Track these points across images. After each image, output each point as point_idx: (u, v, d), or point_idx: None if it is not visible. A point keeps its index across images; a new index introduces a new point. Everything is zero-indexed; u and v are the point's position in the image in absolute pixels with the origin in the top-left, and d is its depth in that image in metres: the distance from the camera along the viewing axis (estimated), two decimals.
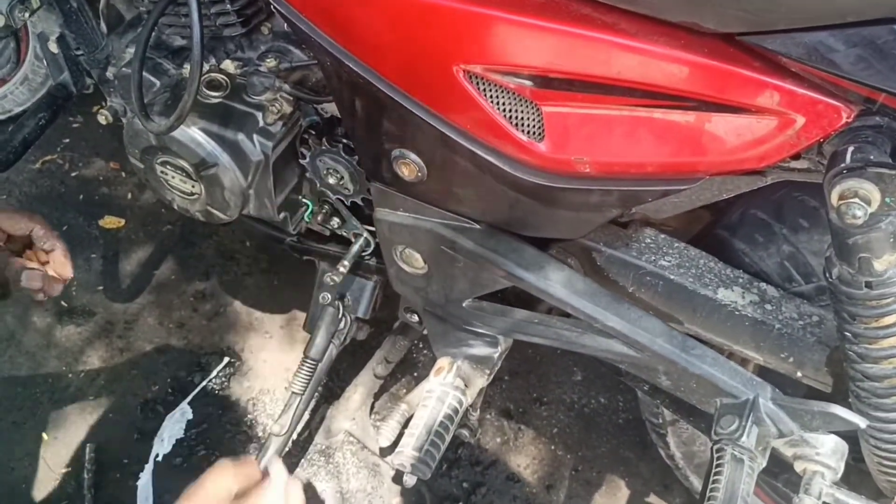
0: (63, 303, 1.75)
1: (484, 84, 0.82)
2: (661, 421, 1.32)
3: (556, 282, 0.98)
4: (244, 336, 1.75)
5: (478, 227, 1.02)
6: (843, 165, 0.73)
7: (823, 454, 0.90)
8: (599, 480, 1.64)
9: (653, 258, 1.01)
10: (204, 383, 1.66)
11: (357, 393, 1.59)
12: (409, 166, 0.98)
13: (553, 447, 1.66)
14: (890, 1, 0.64)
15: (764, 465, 0.91)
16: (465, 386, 1.17)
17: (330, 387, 1.68)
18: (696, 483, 1.41)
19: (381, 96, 0.90)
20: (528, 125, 0.83)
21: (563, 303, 0.98)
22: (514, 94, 0.82)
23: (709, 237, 1.11)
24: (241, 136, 1.12)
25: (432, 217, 1.04)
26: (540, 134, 0.83)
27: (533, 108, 0.82)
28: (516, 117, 0.83)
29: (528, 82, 0.80)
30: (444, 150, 0.92)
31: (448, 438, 1.12)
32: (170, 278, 1.83)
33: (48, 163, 1.97)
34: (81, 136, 2.02)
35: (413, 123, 0.91)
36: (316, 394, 1.65)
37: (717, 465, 0.88)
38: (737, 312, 0.98)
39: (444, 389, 1.14)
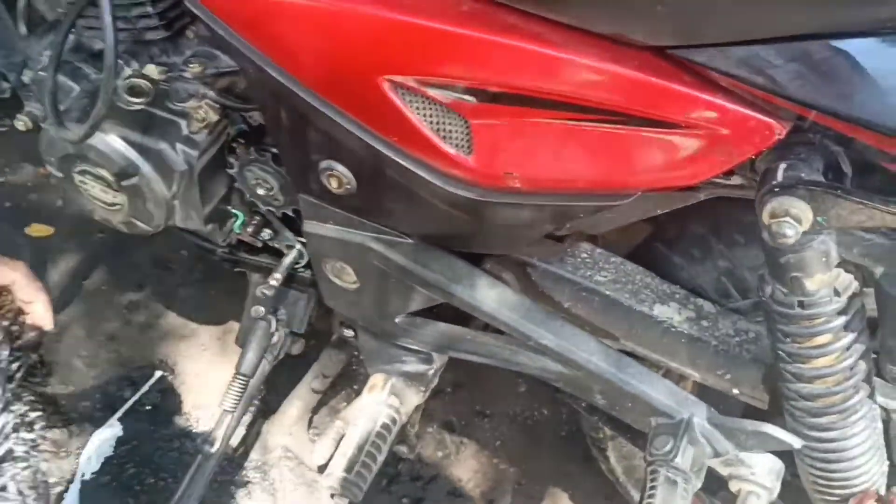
0: None
1: (410, 96, 0.79)
2: (601, 436, 1.30)
3: (489, 298, 0.95)
4: (178, 349, 1.69)
5: (409, 241, 0.99)
6: (774, 183, 0.72)
7: (758, 474, 0.89)
8: (542, 494, 1.61)
9: (588, 273, 0.99)
10: (135, 398, 1.60)
11: (294, 407, 1.54)
12: (338, 178, 0.94)
13: (496, 460, 1.64)
14: (823, 16, 0.63)
15: (699, 485, 0.89)
16: (400, 403, 1.13)
17: (267, 400, 1.63)
18: (638, 497, 1.40)
19: (306, 106, 0.87)
20: (457, 138, 0.80)
21: (495, 319, 0.95)
22: (440, 106, 0.79)
23: (647, 251, 1.10)
24: (163, 145, 1.07)
25: (363, 231, 1.01)
26: (468, 147, 0.80)
27: (461, 120, 0.79)
28: (444, 130, 0.80)
29: (454, 94, 0.77)
30: (373, 162, 0.89)
31: (381, 458, 1.08)
32: (100, 288, 1.76)
33: None
34: (8, 140, 1.93)
35: (340, 135, 0.88)
36: (252, 408, 1.60)
37: (651, 487, 0.86)
38: (673, 329, 0.96)
39: (378, 408, 1.11)
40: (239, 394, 1.28)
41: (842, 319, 0.77)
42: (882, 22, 0.61)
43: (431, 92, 0.78)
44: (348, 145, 0.89)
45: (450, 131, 0.80)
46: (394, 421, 1.10)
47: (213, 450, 1.27)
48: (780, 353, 0.83)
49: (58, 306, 1.71)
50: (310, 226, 1.05)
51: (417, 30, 0.74)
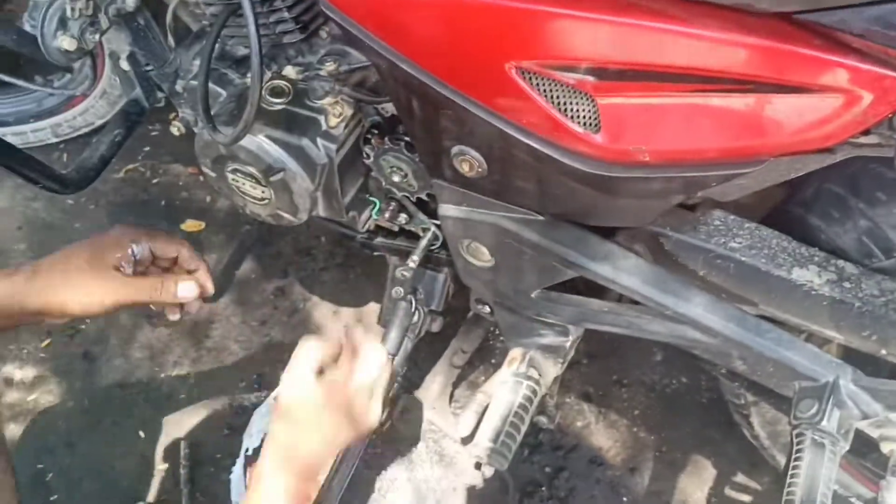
0: (151, 307, 1.82)
1: (537, 79, 0.82)
2: (743, 402, 1.29)
3: (624, 270, 0.97)
4: (323, 330, 1.79)
5: (542, 218, 1.02)
6: None
7: None
8: (684, 461, 1.62)
9: (722, 241, 0.99)
10: None
11: (436, 383, 1.61)
12: (470, 162, 0.98)
13: (635, 429, 1.65)
14: None
15: (847, 447, 0.89)
16: (539, 375, 1.17)
17: (409, 377, 1.70)
18: (784, 462, 1.38)
19: (436, 96, 0.91)
20: (584, 117, 0.82)
21: (631, 291, 0.97)
22: (567, 87, 0.81)
23: (782, 215, 1.08)
24: (305, 141, 1.14)
25: (496, 211, 1.05)
26: (596, 126, 0.82)
27: (588, 100, 0.81)
28: (572, 110, 0.83)
29: (581, 75, 0.79)
30: (503, 145, 0.92)
31: (524, 428, 1.13)
32: (250, 277, 1.88)
33: (130, 171, 2.05)
34: (160, 143, 2.08)
35: (470, 121, 0.91)
36: (396, 385, 1.68)
37: (797, 451, 0.86)
38: (813, 292, 0.95)
39: (518, 380, 1.15)
40: None
41: None
42: None
43: (557, 74, 0.80)
44: (478, 131, 0.93)
45: (577, 111, 0.82)
46: (534, 392, 1.14)
47: None
48: None
49: (212, 296, 1.85)
50: (444, 209, 1.10)
51: (541, 15, 0.76)
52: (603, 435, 1.65)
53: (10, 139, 1.98)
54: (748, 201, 1.14)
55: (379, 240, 1.39)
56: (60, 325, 1.79)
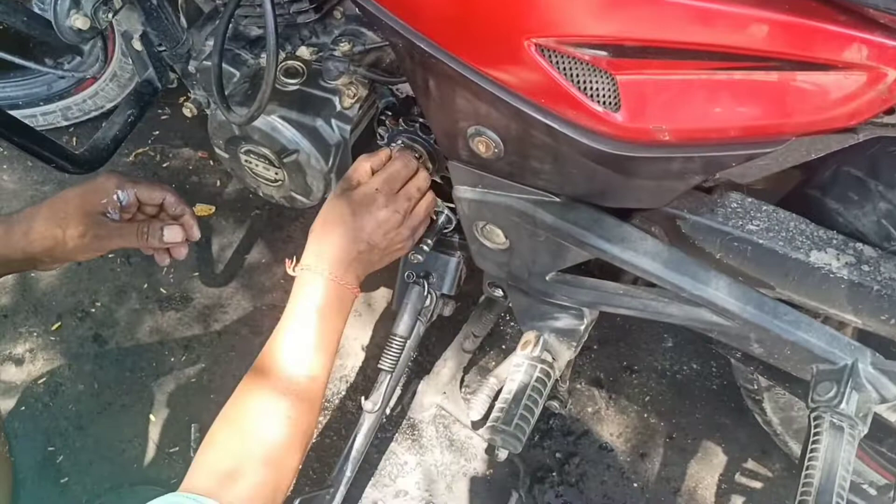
0: (162, 290, 1.82)
1: (556, 56, 0.81)
2: (756, 387, 1.29)
3: (640, 252, 0.96)
4: None
5: (557, 200, 1.01)
6: None
7: None
8: (695, 447, 1.61)
9: (740, 223, 0.98)
10: None
11: (446, 367, 1.60)
12: (486, 143, 0.98)
13: (646, 415, 1.65)
14: None
15: (865, 431, 0.88)
16: (553, 359, 1.17)
17: (420, 362, 1.70)
18: (796, 449, 1.38)
19: (454, 74, 0.90)
20: (604, 96, 0.82)
21: (647, 273, 0.96)
22: (587, 64, 0.80)
23: (800, 197, 1.07)
24: (319, 122, 1.14)
25: (511, 192, 1.04)
26: (616, 104, 0.82)
27: (608, 78, 0.80)
28: (591, 88, 0.82)
29: (600, 52, 0.79)
30: (520, 124, 0.91)
31: (537, 411, 1.12)
32: (260, 261, 1.88)
33: (141, 155, 2.04)
34: (170, 127, 2.08)
35: (487, 100, 0.91)
36: (407, 369, 1.68)
37: (815, 434, 0.85)
38: (831, 275, 0.95)
39: (531, 363, 1.14)
40: (396, 354, 1.34)
41: None
42: None
43: (577, 51, 0.79)
44: (495, 110, 0.92)
45: (596, 89, 0.82)
46: (548, 375, 1.14)
47: (375, 408, 1.35)
48: None
49: (223, 280, 1.85)
50: (460, 191, 1.09)
51: None
52: (613, 421, 1.64)
53: None
54: (764, 185, 1.13)
55: None
56: (65, 303, 1.79)
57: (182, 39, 1.27)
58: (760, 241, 0.97)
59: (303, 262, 1.08)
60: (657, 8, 0.73)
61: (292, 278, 1.80)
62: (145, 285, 1.84)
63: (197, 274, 1.86)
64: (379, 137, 1.20)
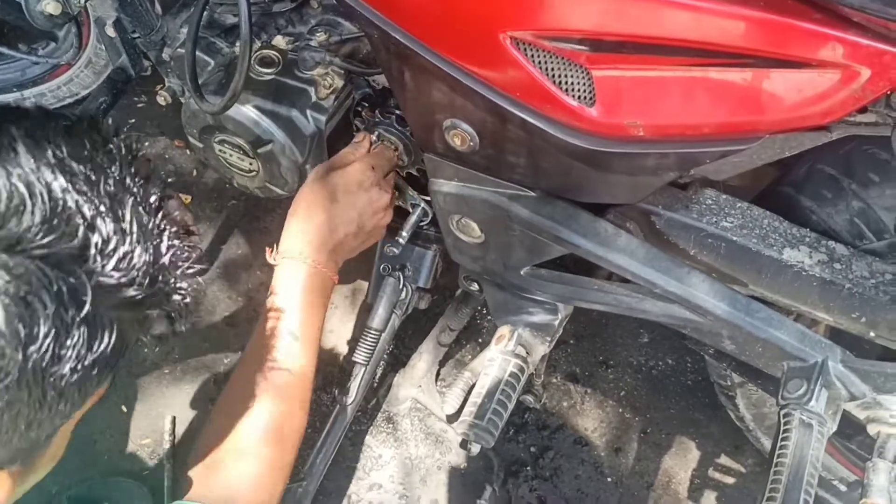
0: None
1: (532, 50, 0.80)
2: (729, 383, 1.29)
3: (614, 248, 0.96)
4: None
5: (533, 194, 1.01)
6: None
7: None
8: (669, 442, 1.62)
9: (714, 220, 0.99)
10: None
11: (422, 361, 1.60)
12: (461, 136, 0.97)
13: (621, 410, 1.65)
14: None
15: (834, 429, 0.88)
16: (527, 353, 1.16)
17: (396, 354, 1.70)
18: (768, 444, 1.39)
19: (430, 66, 0.89)
20: (579, 90, 0.81)
21: (621, 269, 0.96)
22: (562, 59, 0.80)
23: (775, 195, 1.08)
24: (294, 112, 1.12)
25: (487, 186, 1.03)
26: (591, 99, 0.81)
27: (583, 72, 0.80)
28: (566, 83, 0.82)
29: (576, 46, 0.78)
30: (495, 118, 0.91)
31: (510, 406, 1.12)
32: (236, 252, 1.86)
33: None
34: (146, 115, 2.05)
35: (463, 93, 0.90)
36: (383, 362, 1.67)
37: (785, 431, 0.86)
38: (804, 273, 0.95)
39: (505, 358, 1.14)
40: (371, 347, 1.33)
41: None
42: None
43: (552, 45, 0.79)
44: (471, 103, 0.91)
45: (572, 83, 0.81)
46: (521, 370, 1.13)
47: (350, 401, 1.34)
48: None
49: (198, 270, 1.83)
50: (435, 184, 1.09)
51: None
52: (588, 415, 1.65)
53: None
54: (741, 181, 1.14)
55: None
56: None
57: (157, 26, 1.26)
58: (734, 238, 0.98)
59: (284, 248, 1.07)
60: (632, 3, 0.73)
61: (271, 269, 1.79)
62: None
63: None
64: (355, 129, 1.19)
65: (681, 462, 1.60)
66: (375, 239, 1.14)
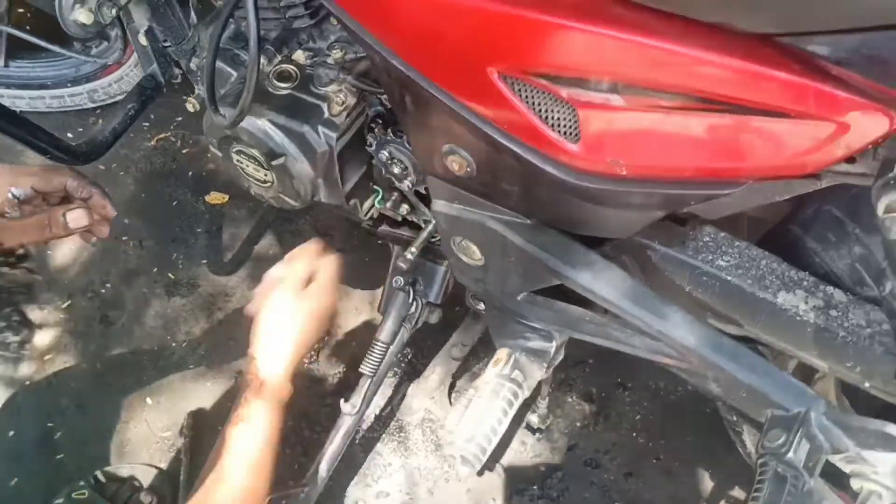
0: (171, 275, 1.86)
1: (519, 84, 0.81)
2: (736, 418, 1.27)
3: (603, 281, 0.96)
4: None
5: (528, 222, 1.01)
6: (891, 175, 0.68)
7: (882, 474, 0.85)
8: (682, 471, 1.60)
9: (710, 258, 0.97)
10: None
11: (435, 373, 1.61)
12: (459, 162, 0.98)
13: (635, 434, 1.64)
14: None
15: (811, 484, 0.86)
16: (523, 378, 1.16)
17: (414, 364, 1.71)
18: None
19: (427, 94, 0.90)
20: (564, 126, 0.81)
21: (609, 303, 0.96)
22: (548, 94, 0.80)
23: (782, 234, 1.06)
24: (306, 128, 1.14)
25: (485, 211, 1.04)
26: (576, 135, 0.81)
27: (568, 109, 0.80)
28: (552, 118, 0.82)
29: (560, 84, 0.78)
30: (490, 147, 0.91)
31: (501, 430, 1.12)
32: (268, 252, 1.90)
33: (161, 140, 2.08)
34: (192, 114, 2.10)
35: (458, 121, 0.91)
36: (399, 370, 1.69)
37: (759, 481, 0.84)
38: (798, 318, 0.93)
39: (500, 381, 1.14)
40: (378, 359, 1.35)
41: None
42: None
43: (539, 81, 0.79)
44: (466, 131, 0.92)
45: (557, 119, 0.81)
46: (515, 395, 1.14)
47: (354, 411, 1.36)
48: None
49: (230, 269, 1.88)
50: (437, 205, 1.10)
51: (522, 21, 0.75)
52: (601, 437, 1.63)
53: (48, 101, 2.05)
54: (757, 214, 1.12)
55: (383, 228, 1.39)
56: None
57: (188, 36, 1.29)
58: (729, 278, 0.96)
59: (256, 369, 1.15)
60: (613, 44, 0.72)
61: None
62: (155, 269, 1.87)
63: (206, 262, 1.89)
64: (368, 145, 1.20)
65: (692, 491, 1.57)
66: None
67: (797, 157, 0.72)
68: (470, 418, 1.12)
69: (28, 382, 1.71)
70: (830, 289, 0.94)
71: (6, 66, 2.00)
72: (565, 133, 0.82)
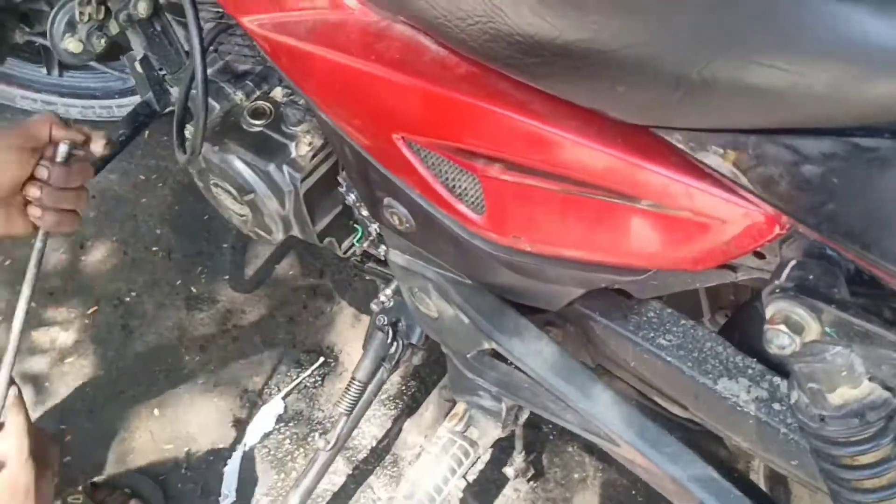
0: (192, 289, 1.90)
1: (424, 152, 0.78)
2: None
3: (533, 352, 0.91)
4: (343, 338, 1.80)
5: (468, 282, 0.97)
6: (777, 283, 0.61)
7: None
8: None
9: (651, 335, 0.91)
10: (298, 380, 1.74)
11: (429, 411, 1.59)
12: (399, 216, 0.95)
13: (634, 492, 1.57)
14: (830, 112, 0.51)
15: None
16: (478, 435, 1.13)
17: (415, 396, 1.69)
18: None
19: (356, 151, 0.88)
20: (470, 196, 0.78)
21: (537, 374, 0.91)
22: (453, 164, 0.77)
23: (749, 310, 0.98)
24: (272, 167, 1.14)
25: (430, 265, 1.01)
26: (481, 206, 0.77)
27: (473, 179, 0.76)
28: (459, 188, 0.78)
29: (461, 155, 0.75)
30: (415, 206, 0.88)
31: (446, 489, 1.09)
32: (288, 273, 1.92)
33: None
34: None
35: (388, 179, 0.88)
36: (400, 402, 1.68)
37: None
38: (738, 408, 0.86)
39: (451, 438, 1.11)
40: (355, 398, 1.34)
41: (869, 445, 0.64)
42: None
43: (439, 150, 0.76)
44: (397, 189, 0.89)
45: (464, 188, 0.78)
46: (466, 453, 1.10)
47: (328, 447, 1.35)
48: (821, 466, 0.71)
49: (250, 286, 1.91)
50: (392, 254, 1.07)
51: (412, 90, 0.72)
52: (598, 492, 1.57)
53: (98, 111, 2.12)
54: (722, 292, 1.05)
55: (370, 265, 1.38)
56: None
57: (184, 64, 1.31)
58: (669, 359, 0.90)
59: None
60: (495, 120, 0.68)
61: (315, 296, 1.81)
62: (178, 282, 1.92)
63: (227, 277, 1.92)
64: (339, 185, 1.19)
65: None
66: None
67: (683, 254, 0.66)
68: (414, 475, 1.09)
69: (47, 384, 1.78)
70: (777, 379, 0.87)
71: (60, 75, 2.09)
72: (472, 203, 0.78)
